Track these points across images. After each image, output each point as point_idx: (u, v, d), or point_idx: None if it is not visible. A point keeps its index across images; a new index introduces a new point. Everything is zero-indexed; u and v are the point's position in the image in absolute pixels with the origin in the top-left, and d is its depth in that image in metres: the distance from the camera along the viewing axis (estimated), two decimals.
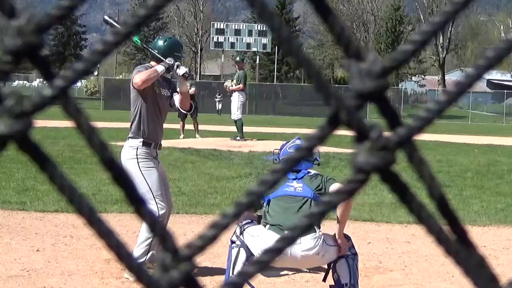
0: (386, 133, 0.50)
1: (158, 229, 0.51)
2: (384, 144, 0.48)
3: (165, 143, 20.34)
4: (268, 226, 5.73)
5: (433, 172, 0.51)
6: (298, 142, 6.26)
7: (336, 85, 51.76)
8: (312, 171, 6.07)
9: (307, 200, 5.82)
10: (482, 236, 8.75)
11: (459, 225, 0.51)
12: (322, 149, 13.97)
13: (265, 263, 0.50)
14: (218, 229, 0.52)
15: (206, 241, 0.51)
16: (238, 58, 22.54)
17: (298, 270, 6.86)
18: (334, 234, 5.90)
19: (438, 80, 75.39)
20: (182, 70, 6.76)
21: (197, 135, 22.25)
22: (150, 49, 7.05)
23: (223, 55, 66.28)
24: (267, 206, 5.84)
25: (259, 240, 5.73)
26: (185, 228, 8.56)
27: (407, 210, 0.51)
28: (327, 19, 0.51)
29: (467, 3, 0.50)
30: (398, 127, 0.49)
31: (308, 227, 0.51)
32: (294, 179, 5.91)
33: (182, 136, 22.15)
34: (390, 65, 0.49)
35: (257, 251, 5.80)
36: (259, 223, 5.93)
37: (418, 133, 0.50)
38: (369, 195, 11.05)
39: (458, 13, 0.49)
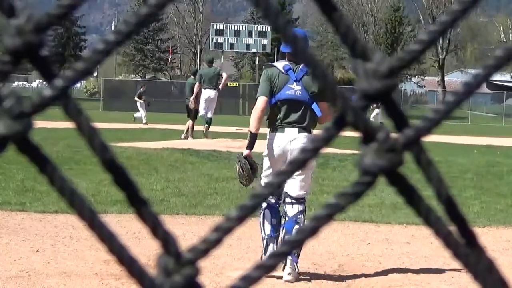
0: (393, 135, 0.49)
1: (160, 232, 0.51)
2: (392, 145, 0.47)
3: (165, 143, 20.34)
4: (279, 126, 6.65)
5: (441, 174, 0.50)
6: None
7: None
8: None
9: (304, 105, 6.64)
10: (481, 237, 8.62)
11: (467, 227, 0.50)
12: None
13: (271, 267, 0.49)
14: (221, 232, 0.51)
15: (209, 245, 0.50)
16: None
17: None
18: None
19: (438, 81, 75.38)
20: None
21: (189, 138, 21.89)
22: None
23: (222, 56, 66.24)
24: (274, 107, 6.65)
25: (272, 149, 6.67)
26: (184, 229, 8.54)
27: (415, 213, 0.50)
28: (332, 18, 0.50)
29: (476, 3, 0.49)
30: (405, 128, 0.48)
31: (314, 230, 0.50)
32: (294, 80, 6.65)
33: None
34: (397, 65, 0.48)
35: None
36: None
37: (426, 135, 0.49)
38: (369, 196, 11.02)
39: (466, 12, 0.48)
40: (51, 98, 0.51)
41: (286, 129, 6.65)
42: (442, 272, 7.10)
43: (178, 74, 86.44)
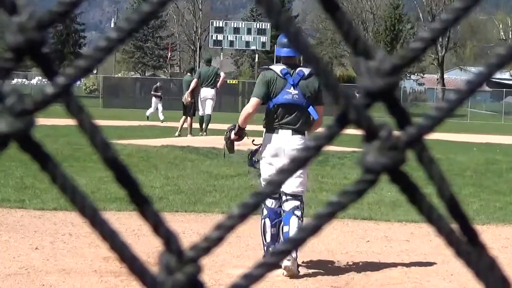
0: (396, 132, 0.49)
1: (162, 230, 0.51)
2: (394, 143, 0.47)
3: (164, 141, 20.31)
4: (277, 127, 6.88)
5: (443, 172, 0.50)
6: None
7: None
8: (307, 71, 6.90)
9: (300, 108, 6.84)
10: (480, 235, 8.74)
11: (469, 226, 0.50)
12: None
13: (272, 266, 0.49)
14: (223, 230, 0.51)
15: (211, 243, 0.50)
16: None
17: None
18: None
19: (437, 79, 75.33)
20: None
21: (188, 135, 21.79)
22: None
23: (222, 53, 66.20)
24: (271, 110, 6.87)
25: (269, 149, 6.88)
26: (183, 226, 8.55)
27: (417, 211, 0.50)
28: (334, 16, 0.50)
29: (478, 1, 0.49)
30: (408, 126, 0.48)
31: (316, 228, 0.50)
32: (292, 84, 6.87)
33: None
34: (399, 63, 0.48)
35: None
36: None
37: (429, 133, 0.49)
38: (368, 194, 11.02)
39: (468, 10, 0.48)
40: (53, 95, 0.51)
41: (280, 131, 6.91)
42: (441, 269, 7.10)
43: (178, 71, 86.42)
